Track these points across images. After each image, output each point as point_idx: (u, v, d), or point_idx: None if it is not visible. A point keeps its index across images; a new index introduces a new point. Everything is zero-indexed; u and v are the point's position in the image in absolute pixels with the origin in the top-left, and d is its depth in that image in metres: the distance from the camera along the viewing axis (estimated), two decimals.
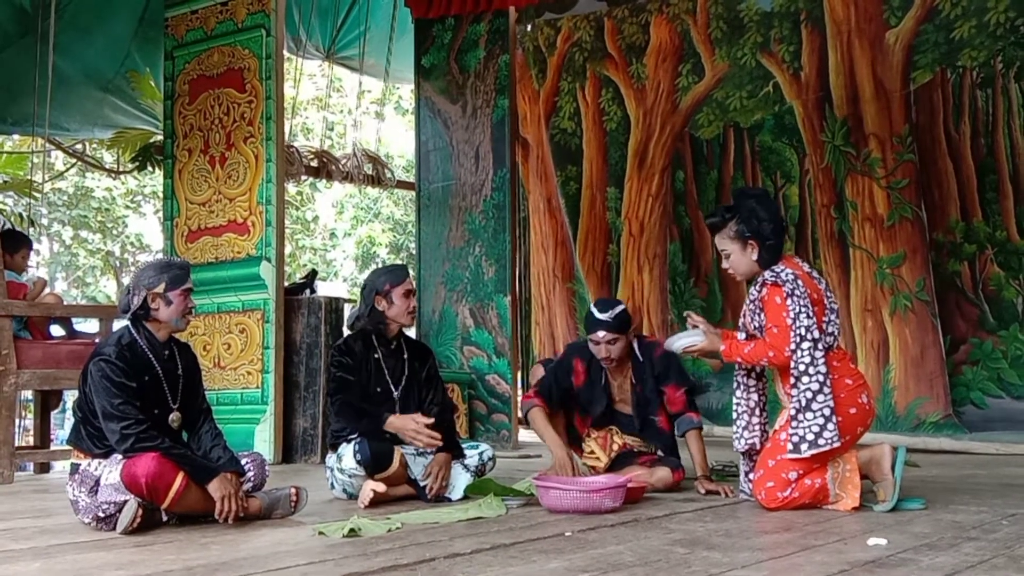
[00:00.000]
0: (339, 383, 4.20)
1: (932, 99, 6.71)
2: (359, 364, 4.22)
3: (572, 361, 4.52)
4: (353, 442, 4.01)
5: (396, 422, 4.05)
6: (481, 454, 4.19)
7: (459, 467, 4.12)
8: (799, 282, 3.69)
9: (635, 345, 4.46)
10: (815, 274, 3.85)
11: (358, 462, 3.96)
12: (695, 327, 3.96)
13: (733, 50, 7.60)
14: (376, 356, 4.26)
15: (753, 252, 3.81)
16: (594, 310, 4.39)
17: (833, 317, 3.78)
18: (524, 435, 7.40)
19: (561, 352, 4.72)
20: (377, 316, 4.25)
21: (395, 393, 4.26)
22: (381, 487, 3.91)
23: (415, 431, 4.00)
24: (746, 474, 3.97)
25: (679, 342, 3.99)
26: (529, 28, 8.73)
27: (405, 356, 4.33)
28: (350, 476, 4.03)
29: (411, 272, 4.38)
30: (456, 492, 4.06)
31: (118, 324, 3.68)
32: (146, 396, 3.51)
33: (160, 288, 3.57)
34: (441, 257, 7.36)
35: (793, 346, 3.64)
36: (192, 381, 3.74)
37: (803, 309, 3.64)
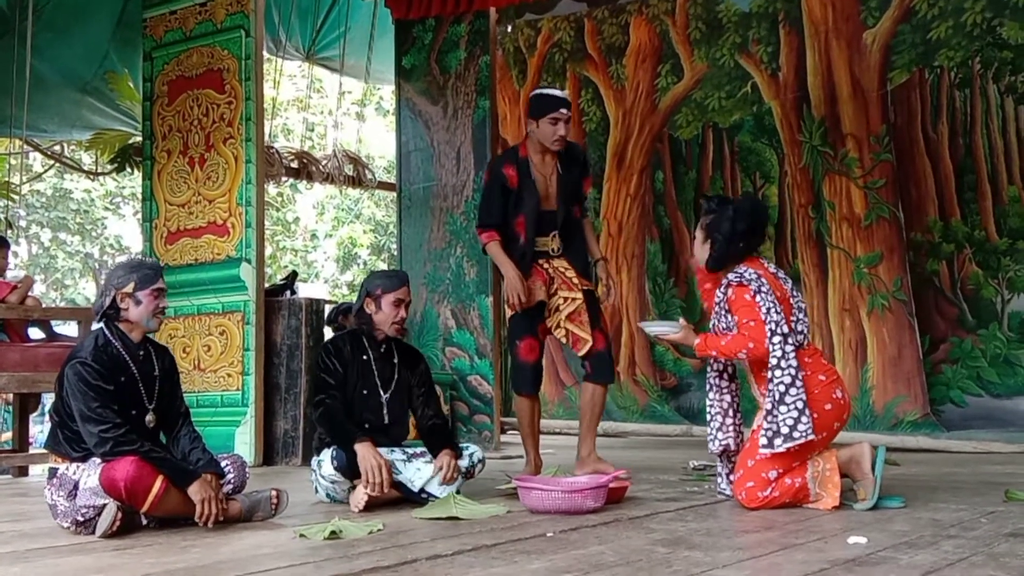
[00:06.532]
0: (321, 386, 4.14)
1: (910, 99, 6.75)
2: (346, 365, 4.16)
3: (502, 169, 4.76)
4: (332, 447, 4.00)
5: (362, 452, 3.85)
6: (471, 455, 4.14)
7: None
8: (763, 280, 3.77)
9: None
10: (781, 274, 3.92)
11: (335, 468, 3.95)
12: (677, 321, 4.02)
13: (712, 51, 7.62)
14: (365, 358, 4.21)
15: (708, 250, 3.94)
16: (549, 91, 4.73)
17: (801, 316, 3.83)
18: (506, 436, 7.40)
19: (486, 178, 4.95)
20: (364, 318, 4.22)
21: (383, 396, 4.21)
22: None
23: (373, 470, 3.81)
24: (725, 475, 3.99)
25: (653, 328, 4.20)
26: (509, 29, 8.73)
27: (395, 360, 4.28)
28: (331, 482, 4.03)
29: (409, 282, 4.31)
30: (443, 490, 3.98)
31: (97, 326, 3.64)
32: (122, 397, 3.49)
33: (129, 288, 3.54)
34: (422, 258, 7.35)
35: (766, 340, 3.68)
36: (170, 383, 3.72)
37: (771, 305, 3.71)
